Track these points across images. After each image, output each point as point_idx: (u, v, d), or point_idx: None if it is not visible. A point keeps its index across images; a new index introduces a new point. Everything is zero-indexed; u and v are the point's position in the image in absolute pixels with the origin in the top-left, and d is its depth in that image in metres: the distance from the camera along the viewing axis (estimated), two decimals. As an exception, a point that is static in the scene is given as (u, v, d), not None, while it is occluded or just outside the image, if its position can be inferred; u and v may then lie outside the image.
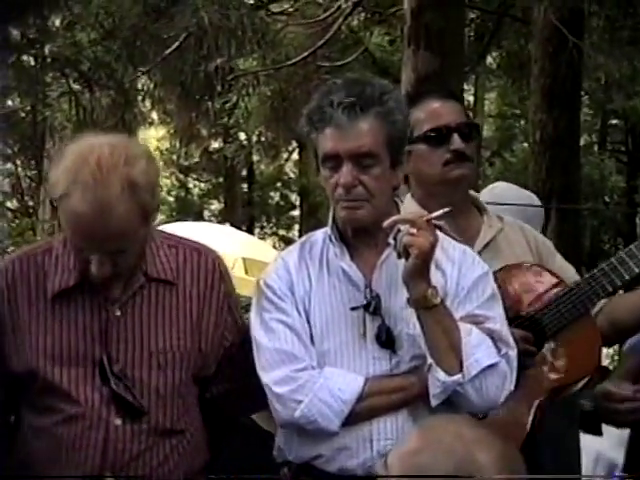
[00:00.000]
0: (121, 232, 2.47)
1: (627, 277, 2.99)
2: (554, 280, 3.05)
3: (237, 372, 2.72)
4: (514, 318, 2.94)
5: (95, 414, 2.57)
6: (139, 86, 9.64)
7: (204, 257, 2.72)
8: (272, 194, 23.37)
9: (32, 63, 8.67)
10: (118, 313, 2.60)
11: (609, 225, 18.57)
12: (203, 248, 2.76)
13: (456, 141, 3.02)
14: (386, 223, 2.50)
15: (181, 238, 2.76)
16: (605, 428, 3.11)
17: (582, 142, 12.69)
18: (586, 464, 3.59)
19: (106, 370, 2.56)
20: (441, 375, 2.48)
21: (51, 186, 2.53)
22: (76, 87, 8.09)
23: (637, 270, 2.98)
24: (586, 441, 3.40)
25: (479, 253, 2.93)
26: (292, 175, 22.50)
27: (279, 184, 22.97)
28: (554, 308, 2.99)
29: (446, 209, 2.60)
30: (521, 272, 3.05)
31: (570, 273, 3.16)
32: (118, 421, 2.58)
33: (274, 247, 17.44)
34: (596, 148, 19.43)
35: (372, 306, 2.57)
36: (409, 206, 3.02)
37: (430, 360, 2.50)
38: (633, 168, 19.26)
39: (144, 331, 2.61)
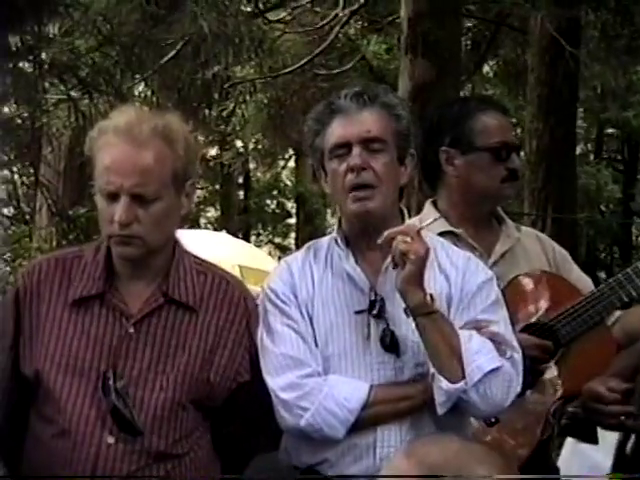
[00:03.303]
0: (150, 169, 2.48)
1: None
2: (570, 289, 3.07)
3: (255, 410, 2.66)
4: (529, 325, 2.97)
5: (88, 430, 2.53)
6: (136, 93, 9.65)
7: (231, 289, 2.68)
8: (268, 202, 23.36)
9: (30, 70, 8.66)
10: (132, 330, 2.58)
11: (605, 234, 18.58)
12: (233, 280, 2.73)
13: (515, 160, 3.07)
14: (380, 240, 2.52)
15: (213, 265, 2.73)
16: (601, 437, 3.10)
17: (578, 151, 12.72)
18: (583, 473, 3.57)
19: (108, 385, 2.51)
20: (444, 383, 2.48)
21: (88, 140, 2.57)
22: (74, 94, 8.08)
23: None
24: (583, 450, 3.38)
25: (495, 263, 2.98)
26: (288, 183, 22.48)
27: (275, 192, 22.95)
28: (569, 317, 3.01)
29: (435, 216, 2.68)
30: (537, 280, 3.07)
31: (587, 284, 3.18)
32: (111, 439, 2.53)
33: (270, 255, 17.44)
34: (592, 157, 19.44)
35: (376, 309, 2.58)
36: (429, 212, 3.07)
37: (432, 369, 2.50)
38: (629, 177, 19.27)
39: (154, 352, 2.57)
